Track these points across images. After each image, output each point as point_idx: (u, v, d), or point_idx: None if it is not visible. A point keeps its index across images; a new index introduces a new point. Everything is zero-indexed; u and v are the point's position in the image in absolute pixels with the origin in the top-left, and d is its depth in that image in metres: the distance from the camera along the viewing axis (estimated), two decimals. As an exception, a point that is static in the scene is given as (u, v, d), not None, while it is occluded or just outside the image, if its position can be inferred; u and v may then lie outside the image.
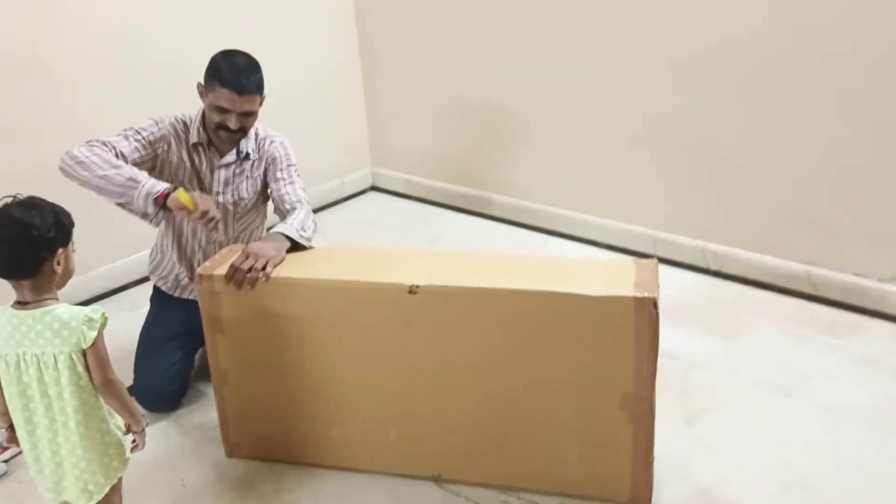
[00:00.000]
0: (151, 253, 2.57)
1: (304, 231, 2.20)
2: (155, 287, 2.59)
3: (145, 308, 2.61)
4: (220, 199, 2.39)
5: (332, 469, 2.15)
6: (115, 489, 1.70)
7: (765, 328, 2.74)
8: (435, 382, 1.97)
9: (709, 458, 2.11)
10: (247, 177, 2.42)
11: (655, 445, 1.89)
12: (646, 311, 1.73)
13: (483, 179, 3.89)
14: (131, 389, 2.35)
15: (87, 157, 2.10)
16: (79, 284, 3.02)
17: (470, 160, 3.91)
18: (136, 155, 2.24)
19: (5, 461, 2.21)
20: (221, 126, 2.28)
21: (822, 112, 2.72)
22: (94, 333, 1.54)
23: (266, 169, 2.43)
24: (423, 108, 4.03)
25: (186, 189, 2.18)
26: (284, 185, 2.37)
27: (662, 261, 3.08)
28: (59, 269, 1.56)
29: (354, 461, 2.14)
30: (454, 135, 3.94)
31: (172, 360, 2.43)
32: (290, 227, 2.17)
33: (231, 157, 2.38)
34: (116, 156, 2.16)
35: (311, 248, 2.19)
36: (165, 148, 2.32)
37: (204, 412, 2.41)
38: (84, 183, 2.12)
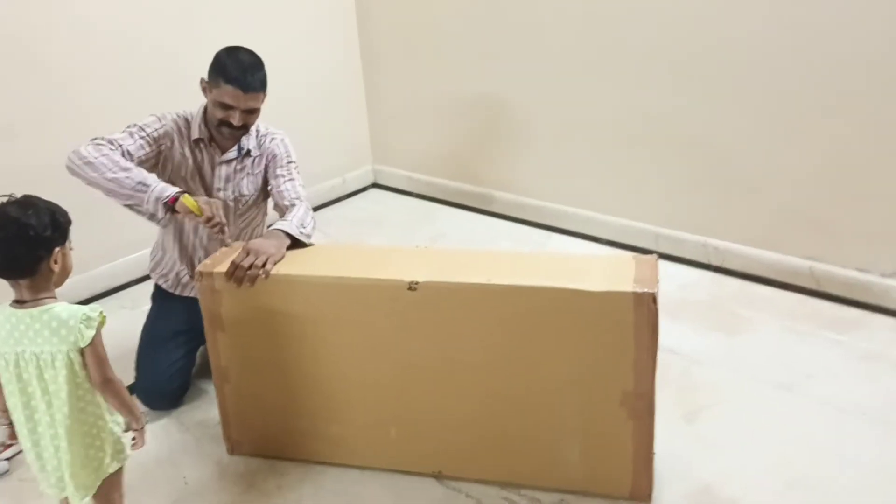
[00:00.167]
0: (153, 250, 2.58)
1: (304, 228, 2.20)
2: (156, 285, 2.59)
3: (147, 306, 2.62)
4: (221, 195, 2.39)
5: (333, 466, 2.15)
6: (115, 486, 1.70)
7: (766, 324, 2.73)
8: (435, 379, 1.97)
9: (710, 454, 2.11)
10: (248, 173, 2.42)
11: (656, 442, 1.89)
12: (645, 307, 1.73)
13: (485, 176, 3.89)
14: (133, 387, 2.36)
15: (95, 158, 2.11)
16: (80, 283, 3.04)
17: (472, 157, 3.91)
18: (142, 152, 2.24)
19: (7, 459, 2.21)
20: (224, 122, 2.28)
21: (822, 111, 2.71)
22: (92, 332, 1.54)
23: (267, 166, 2.43)
24: (425, 106, 4.03)
25: (192, 192, 2.18)
26: (284, 181, 2.38)
27: (664, 257, 3.10)
28: (56, 268, 1.56)
29: (355, 458, 2.14)
30: (456, 132, 3.94)
31: (174, 357, 2.43)
32: (290, 224, 2.18)
33: (232, 153, 2.38)
34: (123, 154, 2.17)
35: (310, 244, 2.20)
36: (168, 144, 2.33)
37: (205, 409, 2.42)
38: (91, 183, 2.12)
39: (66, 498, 1.67)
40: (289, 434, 2.16)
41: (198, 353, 2.54)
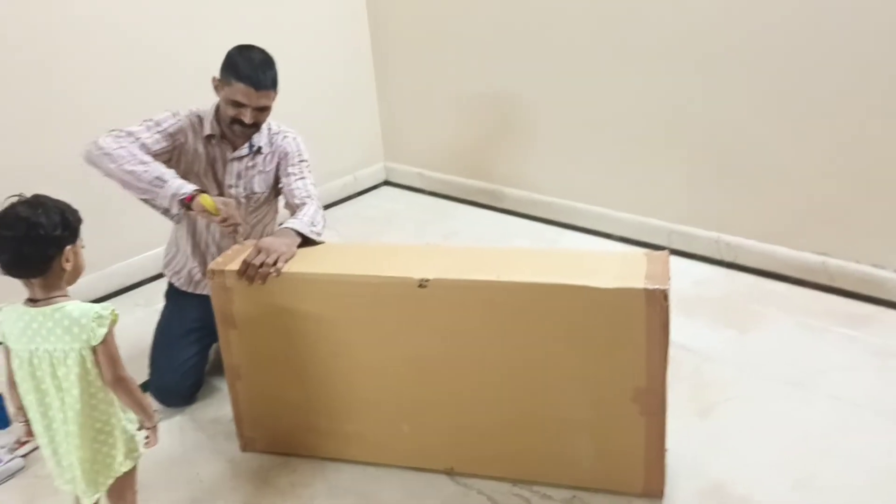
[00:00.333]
0: (167, 248, 2.60)
1: (315, 226, 2.21)
2: (169, 283, 2.60)
3: (160, 304, 2.63)
4: (233, 191, 2.40)
5: (346, 462, 2.15)
6: (129, 484, 1.71)
7: (779, 320, 2.71)
8: (446, 376, 1.97)
9: (722, 451, 2.10)
10: (259, 171, 2.43)
11: (668, 439, 1.88)
12: (657, 303, 1.73)
13: (496, 173, 3.89)
14: (146, 385, 2.38)
15: (114, 150, 2.12)
16: (95, 281, 3.07)
17: (483, 154, 3.91)
18: (158, 146, 2.25)
19: (23, 456, 2.23)
20: (236, 120, 2.29)
21: (835, 106, 2.69)
22: (104, 330, 1.54)
23: (278, 163, 2.44)
24: (436, 103, 4.03)
25: (205, 188, 2.19)
26: (295, 179, 2.38)
27: (677, 253, 3.08)
28: (67, 267, 1.57)
29: (367, 455, 2.14)
30: (467, 129, 3.94)
31: (188, 355, 2.44)
32: (301, 223, 2.19)
33: (244, 150, 2.39)
34: (141, 147, 2.18)
35: (321, 243, 2.20)
36: (182, 140, 2.34)
37: (218, 407, 2.43)
38: (109, 174, 2.14)
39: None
40: (301, 431, 2.17)
41: (211, 351, 2.55)
